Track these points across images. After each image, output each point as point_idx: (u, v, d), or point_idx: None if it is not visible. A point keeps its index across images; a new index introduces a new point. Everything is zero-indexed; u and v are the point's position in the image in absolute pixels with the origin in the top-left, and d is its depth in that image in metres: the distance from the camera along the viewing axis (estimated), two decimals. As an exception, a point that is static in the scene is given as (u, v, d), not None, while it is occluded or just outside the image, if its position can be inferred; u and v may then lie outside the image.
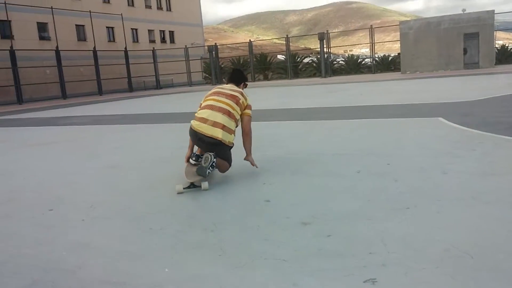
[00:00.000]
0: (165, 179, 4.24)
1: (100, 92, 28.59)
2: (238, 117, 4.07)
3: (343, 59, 33.02)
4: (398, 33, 23.86)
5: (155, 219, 3.12)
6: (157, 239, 2.73)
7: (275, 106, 11.08)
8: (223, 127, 3.87)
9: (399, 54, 25.10)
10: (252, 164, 4.24)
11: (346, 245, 2.41)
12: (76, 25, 30.14)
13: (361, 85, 16.90)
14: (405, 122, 6.80)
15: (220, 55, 33.12)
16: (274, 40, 72.19)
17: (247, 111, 4.16)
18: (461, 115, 6.92)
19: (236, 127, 4.09)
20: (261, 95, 16.02)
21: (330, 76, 27.53)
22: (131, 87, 30.76)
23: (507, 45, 29.57)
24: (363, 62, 31.33)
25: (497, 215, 2.71)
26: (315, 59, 31.90)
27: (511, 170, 3.72)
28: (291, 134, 6.70)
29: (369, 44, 28.14)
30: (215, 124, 3.85)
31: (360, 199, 3.21)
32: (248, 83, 4.67)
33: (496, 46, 26.37)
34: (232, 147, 4.04)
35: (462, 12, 23.90)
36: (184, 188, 3.72)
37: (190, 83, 32.89)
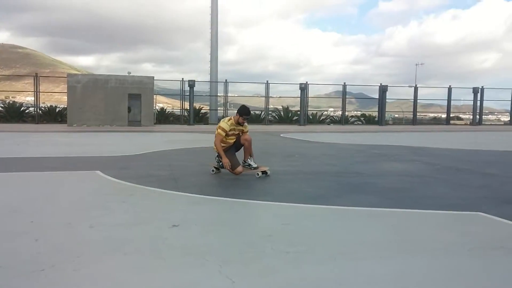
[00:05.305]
0: None
1: None
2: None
3: (3, 106, 29.41)
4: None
5: None
6: None
7: None
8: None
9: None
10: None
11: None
12: None
13: (21, 135, 15.32)
14: (61, 176, 6.49)
15: None
16: None
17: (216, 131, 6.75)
18: (118, 169, 7.21)
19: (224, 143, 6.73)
20: None
21: (-17, 123, 23.81)
22: None
23: (165, 108, 33.78)
24: (27, 110, 28.85)
25: (136, 263, 2.82)
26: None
27: (153, 219, 4.04)
28: None
29: (33, 93, 26.26)
30: None
31: (-14, 267, 2.70)
32: None
33: (156, 108, 29.80)
34: (217, 153, 6.65)
35: (127, 74, 25.90)
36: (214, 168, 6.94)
37: None
